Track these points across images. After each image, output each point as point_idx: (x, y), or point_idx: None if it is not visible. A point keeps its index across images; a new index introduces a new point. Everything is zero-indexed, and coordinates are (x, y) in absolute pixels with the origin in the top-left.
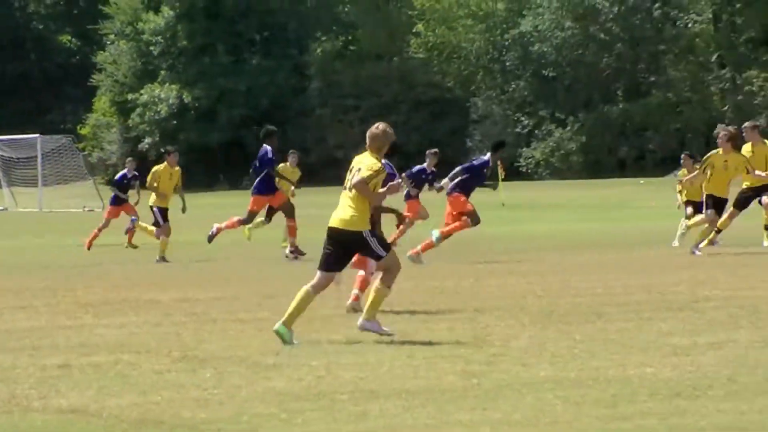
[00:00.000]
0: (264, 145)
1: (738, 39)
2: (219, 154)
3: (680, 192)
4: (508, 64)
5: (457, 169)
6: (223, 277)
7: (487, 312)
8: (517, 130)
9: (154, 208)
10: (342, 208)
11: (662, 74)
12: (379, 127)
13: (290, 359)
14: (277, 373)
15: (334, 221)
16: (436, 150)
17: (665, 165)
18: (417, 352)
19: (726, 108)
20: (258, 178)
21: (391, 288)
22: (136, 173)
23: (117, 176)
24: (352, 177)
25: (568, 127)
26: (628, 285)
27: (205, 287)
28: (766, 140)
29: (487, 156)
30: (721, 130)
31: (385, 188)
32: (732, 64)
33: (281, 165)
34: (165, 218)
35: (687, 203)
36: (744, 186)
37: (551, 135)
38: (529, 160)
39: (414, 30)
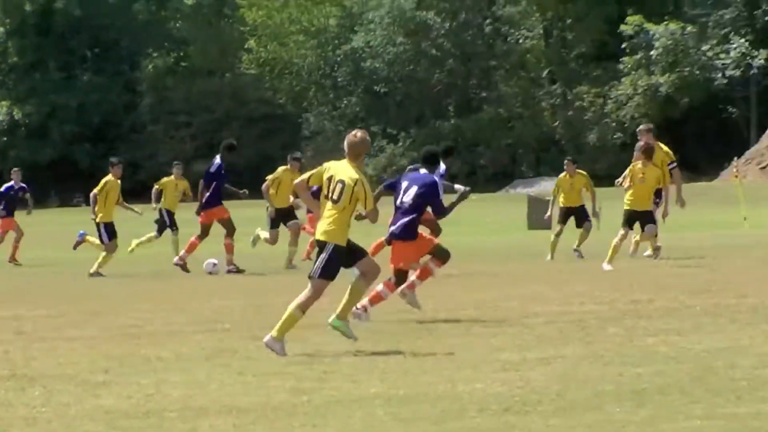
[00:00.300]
0: (217, 156)
1: (568, 55)
2: (50, 171)
3: (555, 198)
4: (339, 79)
5: None
6: (51, 295)
7: (317, 329)
8: None
9: (102, 225)
10: (324, 219)
11: (494, 90)
12: (357, 135)
13: (119, 377)
14: (107, 391)
15: (317, 233)
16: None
17: (497, 180)
18: (247, 370)
19: (557, 123)
20: (209, 192)
21: (305, 313)
22: (24, 185)
23: (2, 188)
24: (334, 188)
25: (400, 143)
26: (459, 301)
27: (34, 305)
28: (660, 143)
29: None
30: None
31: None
32: (563, 79)
33: (165, 179)
34: (112, 235)
35: (565, 212)
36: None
37: (383, 151)
38: None
39: (246, 46)
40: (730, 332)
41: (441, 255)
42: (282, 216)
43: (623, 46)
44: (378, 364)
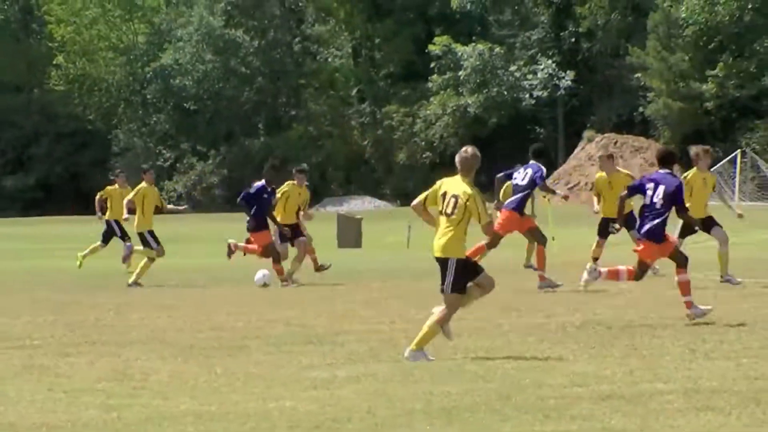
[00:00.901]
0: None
1: (377, 74)
2: None
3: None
4: (149, 96)
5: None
6: None
7: (127, 345)
8: (159, 162)
9: (145, 233)
10: (440, 235)
11: (303, 108)
12: (467, 151)
13: None
14: None
15: (435, 249)
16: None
17: None
18: (57, 386)
19: (366, 142)
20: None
21: (443, 329)
22: None
23: None
24: (448, 202)
25: (210, 161)
26: (269, 318)
27: None
28: (620, 168)
29: (535, 163)
30: (604, 153)
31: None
32: (372, 98)
33: (109, 188)
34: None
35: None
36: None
37: (193, 168)
38: (172, 193)
39: (54, 62)
40: (539, 351)
41: (678, 260)
42: (292, 231)
43: (431, 66)
44: (188, 381)
